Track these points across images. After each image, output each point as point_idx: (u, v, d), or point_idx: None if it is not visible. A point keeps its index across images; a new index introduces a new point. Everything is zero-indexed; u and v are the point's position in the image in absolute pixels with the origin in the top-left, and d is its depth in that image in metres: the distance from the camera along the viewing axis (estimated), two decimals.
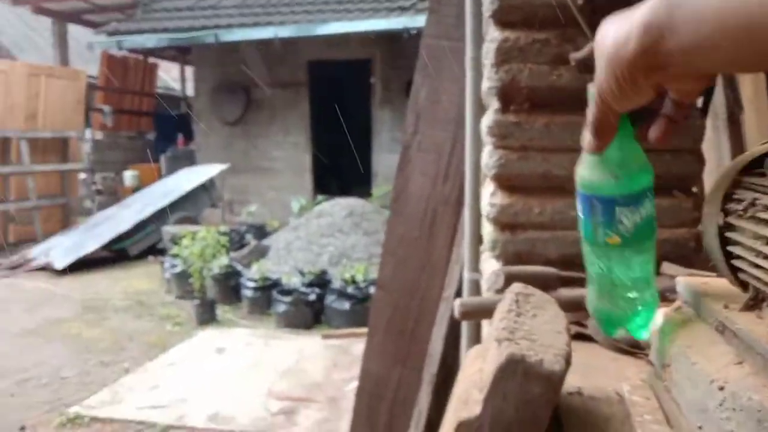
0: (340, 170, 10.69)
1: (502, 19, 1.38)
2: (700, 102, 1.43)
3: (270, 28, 8.58)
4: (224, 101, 9.93)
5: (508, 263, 1.43)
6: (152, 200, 8.22)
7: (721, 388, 0.61)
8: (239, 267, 5.98)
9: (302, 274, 5.61)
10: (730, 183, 0.68)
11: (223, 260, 5.82)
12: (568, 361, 0.72)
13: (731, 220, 0.66)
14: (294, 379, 4.10)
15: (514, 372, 0.68)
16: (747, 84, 1.89)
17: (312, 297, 5.23)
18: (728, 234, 0.67)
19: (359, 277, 5.28)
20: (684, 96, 0.56)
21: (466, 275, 1.80)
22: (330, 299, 5.18)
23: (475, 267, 1.78)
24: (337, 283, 5.35)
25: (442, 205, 2.07)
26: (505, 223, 1.42)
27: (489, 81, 1.41)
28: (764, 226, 0.58)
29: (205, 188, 8.82)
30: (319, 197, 8.56)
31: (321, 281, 5.50)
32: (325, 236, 6.21)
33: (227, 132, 10.08)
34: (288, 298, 5.18)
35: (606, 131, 0.60)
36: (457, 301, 1.13)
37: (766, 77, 1.85)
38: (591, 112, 0.59)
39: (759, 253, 0.59)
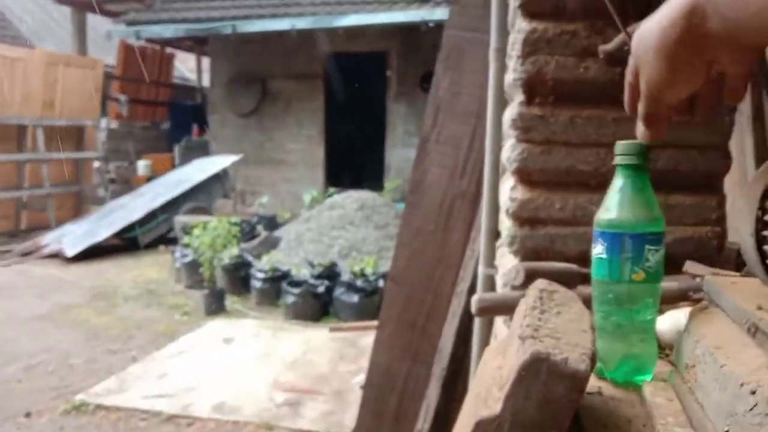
0: (353, 163, 10.67)
1: (530, 10, 1.35)
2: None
3: (287, 19, 8.56)
4: (240, 93, 9.94)
5: (526, 259, 1.41)
6: (165, 190, 8.24)
7: (753, 392, 0.59)
8: (249, 258, 5.98)
9: (312, 266, 5.60)
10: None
11: (234, 251, 5.82)
12: (593, 361, 0.69)
13: None
14: (300, 370, 4.09)
15: (538, 371, 0.65)
16: None
17: (321, 289, 5.22)
18: (766, 233, 0.64)
19: (369, 270, 5.26)
20: (737, 66, 0.53)
21: (481, 270, 1.77)
22: (339, 291, 5.17)
23: (491, 262, 1.76)
24: (346, 276, 5.34)
25: (459, 199, 2.05)
26: (525, 218, 1.39)
27: (514, 73, 1.38)
28: None
29: (218, 179, 8.83)
30: (331, 190, 8.55)
31: (330, 273, 5.48)
32: (336, 229, 6.20)
33: (242, 123, 10.09)
34: (297, 290, 5.17)
35: (659, 122, 0.62)
36: (475, 297, 1.11)
37: None
38: (642, 105, 0.60)
39: None
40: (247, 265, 5.87)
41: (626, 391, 0.83)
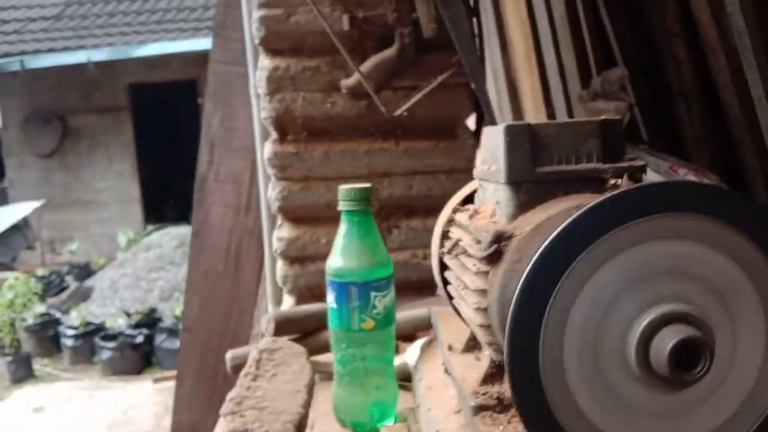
0: (175, 196, 10.18)
1: (270, 47, 1.33)
2: (473, 123, 1.48)
3: (82, 51, 8.01)
4: (38, 132, 9.11)
5: (300, 298, 1.38)
6: None
7: None
8: (58, 314, 5.43)
9: (128, 314, 5.20)
10: (446, 220, 0.66)
11: (39, 308, 5.27)
12: (301, 426, 0.66)
13: (445, 259, 0.63)
14: (122, 431, 3.77)
15: None
16: (527, 98, 1.99)
17: (139, 339, 4.85)
18: (445, 273, 0.65)
19: None
20: None
21: (271, 310, 1.72)
22: (160, 339, 4.85)
23: (279, 301, 1.72)
24: (168, 321, 5.02)
25: (247, 237, 1.98)
26: (294, 257, 1.37)
27: (264, 111, 1.35)
28: (463, 270, 0.55)
29: (19, 229, 7.97)
30: (150, 227, 8.07)
31: (150, 320, 5.12)
32: (155, 270, 5.84)
33: (44, 165, 9.23)
34: (112, 344, 4.77)
35: None
36: (228, 354, 1.05)
37: (543, 92, 1.97)
38: None
39: (461, 296, 0.56)
40: (56, 322, 5.33)
41: None
